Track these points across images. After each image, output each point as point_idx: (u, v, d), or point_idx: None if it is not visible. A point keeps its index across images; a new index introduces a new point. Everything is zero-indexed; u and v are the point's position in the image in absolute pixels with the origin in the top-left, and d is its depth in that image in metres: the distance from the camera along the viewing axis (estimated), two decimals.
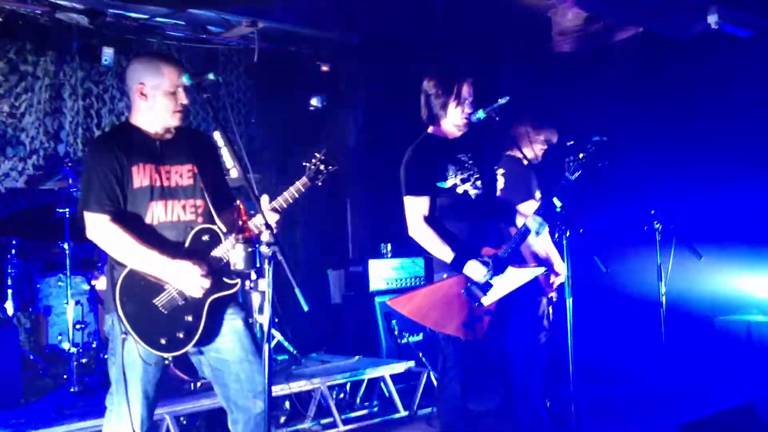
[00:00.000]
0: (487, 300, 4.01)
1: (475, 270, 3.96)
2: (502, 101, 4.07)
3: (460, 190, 4.11)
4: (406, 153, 4.17)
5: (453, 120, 4.15)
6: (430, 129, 4.24)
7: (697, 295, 6.03)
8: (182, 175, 3.46)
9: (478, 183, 4.15)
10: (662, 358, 4.76)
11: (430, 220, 4.07)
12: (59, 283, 5.44)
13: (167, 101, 3.40)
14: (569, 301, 4.00)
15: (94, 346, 5.43)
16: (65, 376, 5.22)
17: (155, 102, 3.40)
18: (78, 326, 5.31)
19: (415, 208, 4.07)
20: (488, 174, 4.25)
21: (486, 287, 3.98)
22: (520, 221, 4.24)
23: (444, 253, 4.03)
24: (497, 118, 4.08)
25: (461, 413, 4.11)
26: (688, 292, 5.72)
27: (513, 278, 4.05)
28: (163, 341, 3.32)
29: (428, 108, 4.19)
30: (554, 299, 4.75)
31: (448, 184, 4.10)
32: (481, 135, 4.32)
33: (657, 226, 4.75)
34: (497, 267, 3.98)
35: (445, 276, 4.09)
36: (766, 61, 6.05)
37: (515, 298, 4.16)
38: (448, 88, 4.12)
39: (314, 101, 7.77)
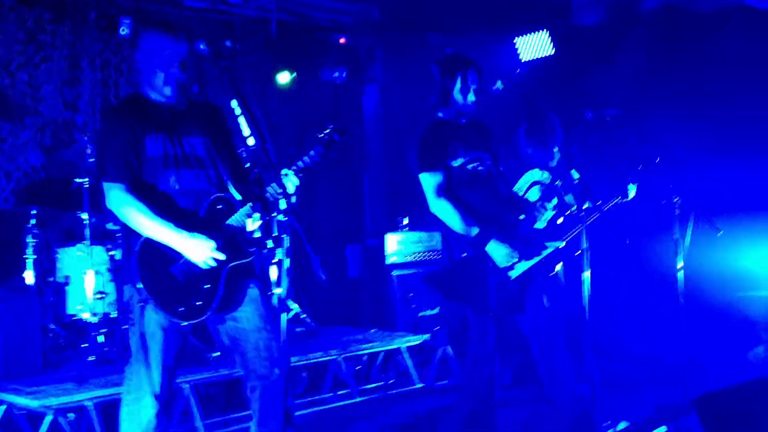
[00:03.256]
0: (515, 273, 4.04)
1: (497, 249, 3.98)
2: (519, 71, 4.09)
3: (470, 167, 4.16)
4: (416, 135, 4.22)
5: (459, 105, 4.22)
6: (439, 112, 4.30)
7: (715, 271, 5.97)
8: (194, 146, 3.47)
9: (487, 162, 4.23)
10: (678, 334, 4.73)
11: (449, 195, 4.09)
12: (78, 253, 5.47)
13: (161, 73, 3.40)
14: (587, 274, 4.00)
15: (113, 316, 5.45)
16: (85, 346, 5.27)
17: (152, 74, 3.42)
18: (98, 296, 5.33)
19: (432, 183, 4.11)
20: (496, 152, 4.33)
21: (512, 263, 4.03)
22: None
23: (467, 228, 4.04)
24: (516, 89, 4.10)
25: (490, 387, 4.13)
26: (706, 268, 5.67)
27: (536, 251, 4.08)
28: (181, 309, 3.34)
29: (436, 92, 4.28)
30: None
31: (458, 163, 4.15)
32: (493, 114, 4.35)
33: (676, 200, 4.71)
34: (525, 250, 4.01)
35: (464, 255, 4.11)
36: None
37: (531, 271, 4.18)
38: (453, 74, 4.20)
39: (332, 74, 7.74)
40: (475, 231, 4.02)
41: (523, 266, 4.06)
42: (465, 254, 4.09)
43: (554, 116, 4.98)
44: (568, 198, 4.15)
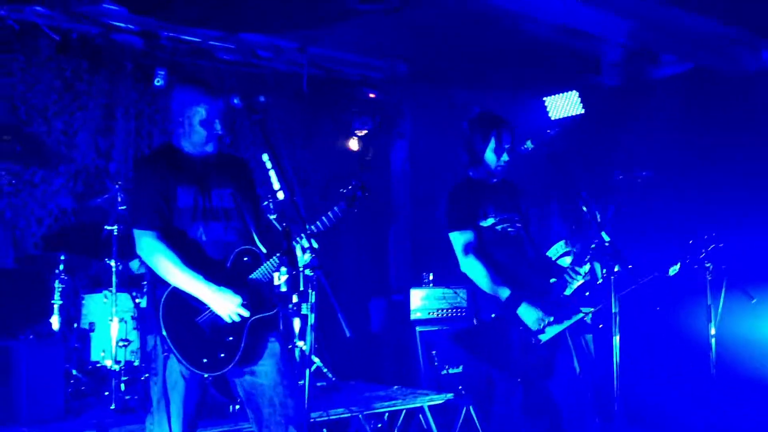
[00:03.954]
0: (545, 336, 3.98)
1: (529, 313, 3.95)
2: (551, 132, 4.09)
3: (499, 228, 4.15)
4: (447, 193, 4.23)
5: (491, 164, 4.21)
6: (470, 170, 4.30)
7: (749, 339, 5.84)
8: (223, 198, 3.51)
9: (517, 224, 4.20)
10: (711, 403, 4.62)
11: (481, 254, 4.06)
12: (104, 300, 5.48)
13: (202, 129, 3.47)
14: (616, 339, 3.93)
15: (136, 364, 5.44)
16: (107, 393, 5.24)
17: (192, 129, 3.48)
18: (121, 344, 5.34)
19: (462, 242, 4.10)
20: (525, 216, 4.30)
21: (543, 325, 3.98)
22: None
23: (497, 289, 4.00)
24: (546, 149, 4.09)
25: None
26: (739, 335, 5.56)
27: (567, 315, 4.04)
28: (204, 360, 3.34)
29: (468, 151, 4.28)
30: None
31: (488, 223, 4.14)
32: (521, 174, 4.34)
33: (708, 265, 4.65)
34: (556, 314, 3.96)
35: (493, 315, 4.07)
36: None
37: (561, 336, 4.12)
38: (486, 134, 4.20)
39: (361, 128, 7.80)
40: (506, 293, 3.98)
41: (554, 330, 4.01)
42: (494, 315, 4.05)
43: (588, 198, 4.82)
44: (596, 265, 4.11)
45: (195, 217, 3.44)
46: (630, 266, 4.01)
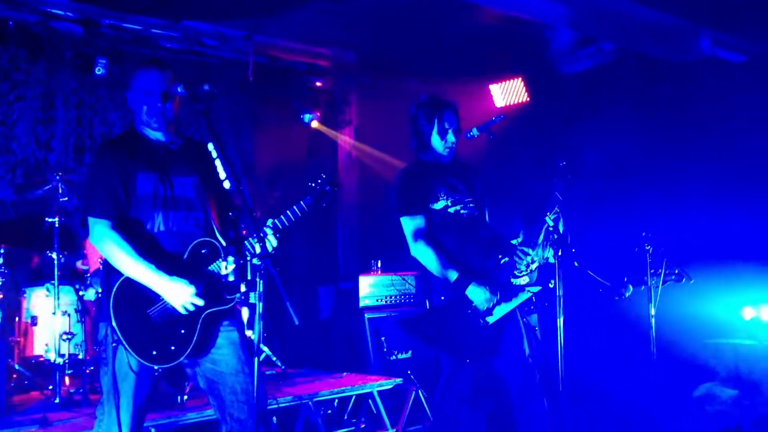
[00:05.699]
0: (493, 318, 4.03)
1: (477, 293, 3.99)
2: (496, 119, 4.14)
3: (452, 210, 4.16)
4: (396, 178, 4.24)
5: (438, 147, 4.24)
6: (420, 154, 4.33)
7: (686, 318, 6.02)
8: (185, 186, 3.47)
9: (470, 205, 4.21)
10: (651, 380, 4.75)
11: (430, 239, 4.09)
12: (46, 294, 5.38)
13: (144, 105, 3.43)
14: (560, 321, 4.00)
15: (80, 357, 5.37)
16: (51, 388, 5.16)
17: (137, 107, 3.45)
18: (65, 337, 5.26)
19: (414, 227, 4.12)
20: (479, 195, 4.32)
21: (491, 306, 4.03)
22: None
23: (447, 272, 4.04)
24: (491, 136, 4.13)
25: (459, 429, 4.10)
26: (678, 315, 5.72)
27: (515, 296, 4.08)
28: (154, 352, 3.30)
29: (415, 135, 4.30)
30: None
31: (439, 206, 4.15)
32: (472, 156, 4.37)
33: (648, 248, 4.77)
34: (503, 292, 4.01)
35: (442, 298, 4.11)
36: (758, 86, 6.08)
37: (508, 317, 4.18)
38: (431, 117, 4.23)
39: (306, 117, 7.78)
40: (454, 275, 4.02)
41: (502, 311, 4.05)
42: (443, 298, 4.09)
43: (534, 183, 4.90)
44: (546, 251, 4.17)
45: (155, 206, 3.38)
46: (573, 249, 4.11)
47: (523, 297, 4.11)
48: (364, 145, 8.10)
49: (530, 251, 4.07)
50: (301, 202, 3.43)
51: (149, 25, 6.48)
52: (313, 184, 3.47)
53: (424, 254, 4.09)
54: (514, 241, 4.09)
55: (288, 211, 3.42)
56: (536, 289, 4.32)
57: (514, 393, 4.20)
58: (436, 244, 4.09)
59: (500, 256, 4.09)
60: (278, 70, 7.59)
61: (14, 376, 5.27)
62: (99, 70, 6.27)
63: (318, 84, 7.93)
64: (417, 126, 4.28)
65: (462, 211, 4.17)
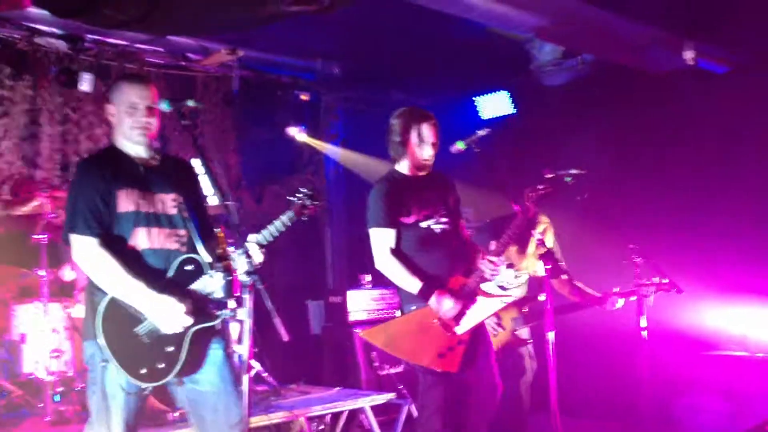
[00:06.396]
0: (461, 329, 3.99)
1: (441, 303, 3.96)
2: (481, 133, 4.12)
3: (423, 224, 4.13)
4: (373, 188, 4.21)
5: (414, 160, 4.20)
6: (396, 166, 4.29)
7: (678, 330, 6.02)
8: (166, 203, 3.43)
9: (443, 219, 4.16)
10: (644, 392, 4.76)
11: (396, 252, 4.08)
12: (35, 311, 5.35)
13: (127, 118, 3.39)
14: (551, 335, 4.00)
15: (70, 374, 5.33)
16: (41, 405, 5.12)
17: (120, 121, 3.41)
18: (54, 354, 5.22)
19: (381, 240, 4.09)
20: (453, 209, 4.27)
21: (458, 316, 3.98)
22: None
23: (410, 284, 4.02)
24: (477, 150, 4.12)
25: None
26: (669, 327, 5.74)
27: (484, 307, 4.04)
28: (143, 371, 3.26)
29: (391, 146, 4.26)
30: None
31: (411, 219, 4.12)
32: (448, 171, 4.36)
33: (637, 259, 4.78)
34: (467, 298, 3.98)
35: (413, 308, 4.09)
36: (741, 96, 6.12)
37: (483, 329, 4.16)
38: (407, 128, 4.18)
39: (292, 131, 7.77)
40: (417, 286, 3.99)
41: (470, 322, 4.01)
42: (414, 308, 4.07)
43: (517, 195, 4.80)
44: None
45: (137, 223, 3.34)
46: (561, 263, 4.13)
47: (492, 309, 4.08)
48: (351, 158, 8.10)
49: (497, 260, 4.00)
50: (282, 217, 3.40)
51: (134, 39, 6.46)
52: (294, 199, 3.44)
53: (387, 267, 4.07)
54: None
55: (269, 226, 3.39)
56: (509, 299, 4.30)
57: (475, 404, 4.16)
58: (400, 257, 4.06)
59: (467, 266, 4.07)
60: (264, 84, 7.59)
61: (4, 393, 5.23)
62: (83, 86, 6.24)
63: (304, 97, 7.93)
64: (393, 137, 4.23)
65: (434, 226, 4.12)
